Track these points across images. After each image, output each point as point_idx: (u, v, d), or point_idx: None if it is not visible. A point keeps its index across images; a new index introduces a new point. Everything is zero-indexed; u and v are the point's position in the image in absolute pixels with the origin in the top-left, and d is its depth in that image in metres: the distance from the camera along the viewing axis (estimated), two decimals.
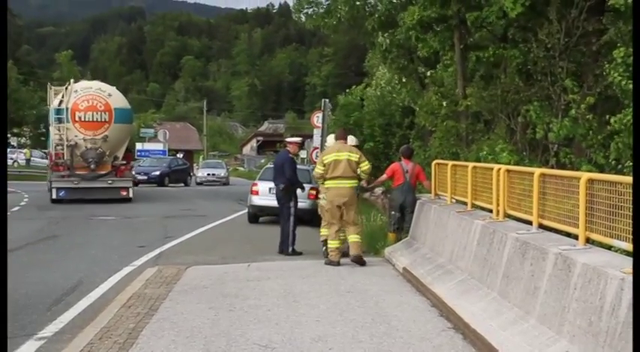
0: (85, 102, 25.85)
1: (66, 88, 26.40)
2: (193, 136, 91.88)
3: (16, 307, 8.59)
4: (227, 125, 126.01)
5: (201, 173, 48.91)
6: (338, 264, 11.71)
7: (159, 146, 60.13)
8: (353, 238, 11.92)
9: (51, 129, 26.62)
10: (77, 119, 25.68)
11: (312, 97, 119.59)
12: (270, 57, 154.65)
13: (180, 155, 59.79)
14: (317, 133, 25.67)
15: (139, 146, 59.94)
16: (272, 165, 22.13)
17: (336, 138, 12.60)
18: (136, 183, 37.33)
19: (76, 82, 27.85)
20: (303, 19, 23.65)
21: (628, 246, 5.64)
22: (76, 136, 25.66)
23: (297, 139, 15.21)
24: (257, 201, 19.37)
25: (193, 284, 10.14)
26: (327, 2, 22.39)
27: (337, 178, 11.79)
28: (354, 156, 11.87)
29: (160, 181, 41.77)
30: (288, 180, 13.87)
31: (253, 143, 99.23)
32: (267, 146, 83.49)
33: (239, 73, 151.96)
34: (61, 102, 25.84)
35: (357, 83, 30.77)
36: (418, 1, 16.67)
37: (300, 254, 13.45)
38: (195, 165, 62.93)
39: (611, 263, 5.58)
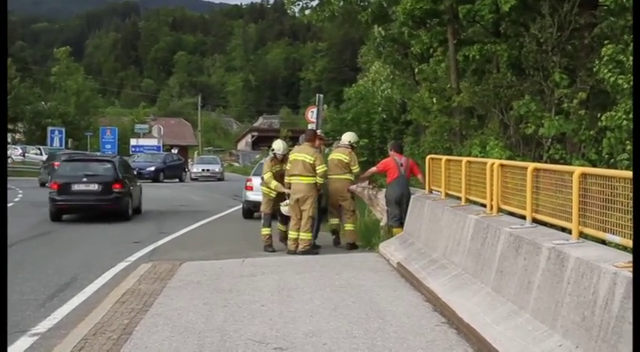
0: None
1: None
2: (188, 132, 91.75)
3: (10, 303, 8.55)
4: (222, 120, 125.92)
5: (196, 169, 48.81)
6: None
7: (153, 142, 59.91)
8: (347, 227, 13.48)
9: None
10: None
11: (306, 92, 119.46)
12: (264, 52, 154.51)
13: (174, 151, 59.71)
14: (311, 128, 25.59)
15: (133, 142, 59.83)
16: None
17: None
18: None
19: None
20: (296, 11, 23.44)
21: (621, 241, 5.64)
22: None
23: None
24: (251, 196, 19.32)
25: (187, 280, 10.14)
26: None
27: None
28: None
29: (154, 177, 41.65)
30: None
31: (248, 138, 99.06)
32: (262, 141, 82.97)
33: (233, 68, 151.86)
34: None
35: (350, 80, 30.66)
36: None
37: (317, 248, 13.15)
38: (190, 160, 62.82)
39: (604, 257, 5.58)
